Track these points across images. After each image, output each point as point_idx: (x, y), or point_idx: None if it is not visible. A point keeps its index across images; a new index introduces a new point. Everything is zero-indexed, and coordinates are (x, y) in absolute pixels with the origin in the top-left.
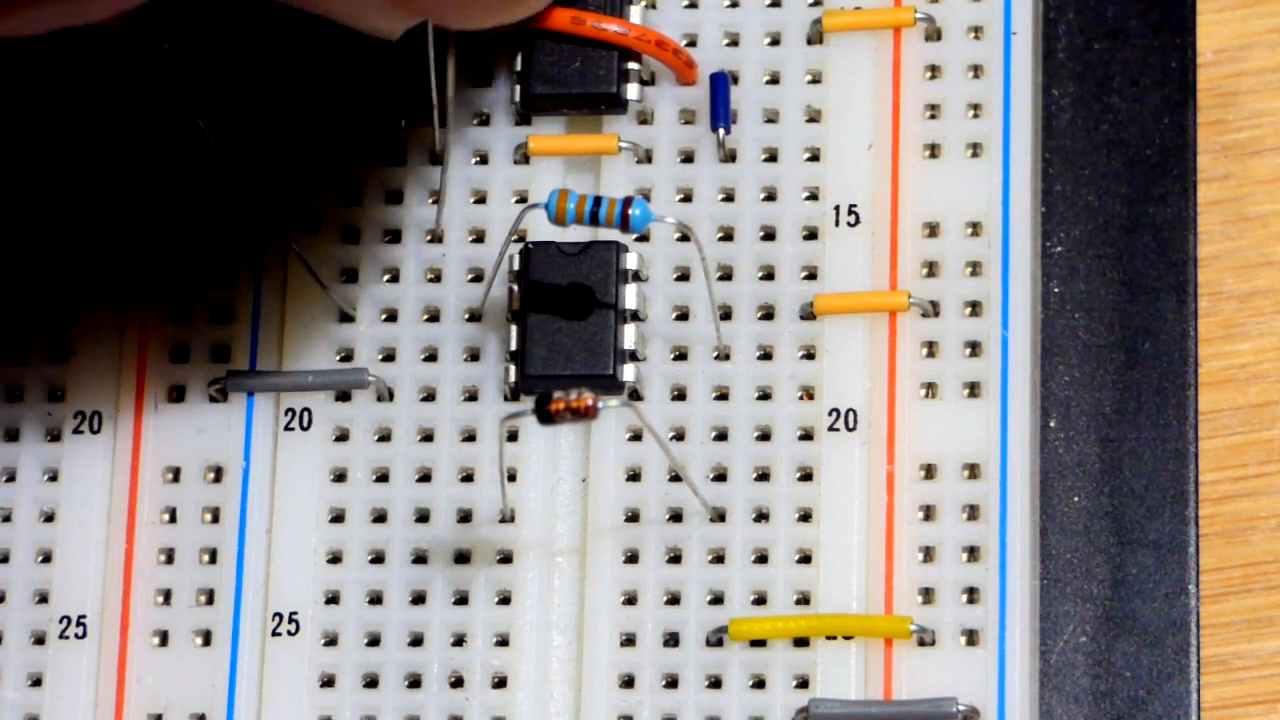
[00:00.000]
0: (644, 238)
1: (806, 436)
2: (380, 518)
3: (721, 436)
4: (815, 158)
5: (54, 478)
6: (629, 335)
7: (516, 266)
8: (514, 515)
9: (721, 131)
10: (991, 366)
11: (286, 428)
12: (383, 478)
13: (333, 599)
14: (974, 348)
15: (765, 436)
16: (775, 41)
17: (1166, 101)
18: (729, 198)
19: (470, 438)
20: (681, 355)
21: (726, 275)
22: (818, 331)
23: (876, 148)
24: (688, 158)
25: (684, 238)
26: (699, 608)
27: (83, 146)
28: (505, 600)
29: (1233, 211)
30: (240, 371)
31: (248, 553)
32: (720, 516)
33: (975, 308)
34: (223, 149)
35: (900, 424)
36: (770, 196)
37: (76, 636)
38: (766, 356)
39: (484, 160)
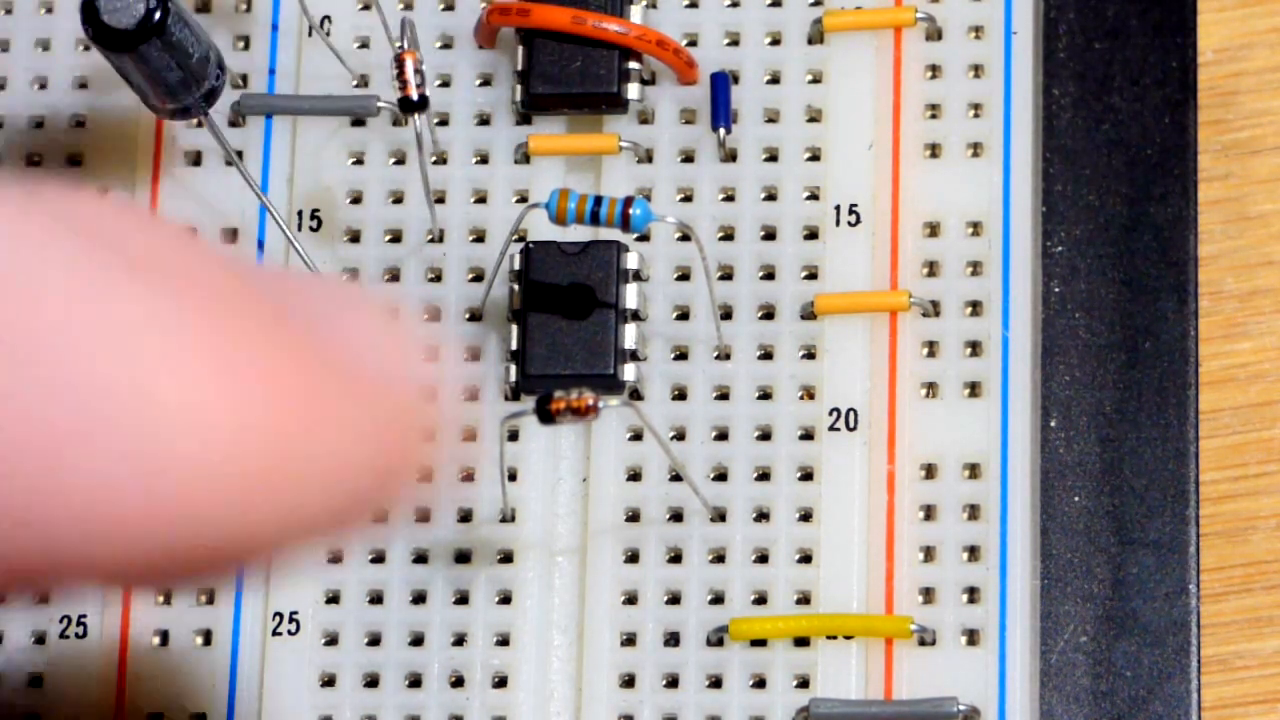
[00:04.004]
0: (644, 237)
1: (807, 436)
2: (380, 518)
3: (722, 436)
4: (815, 157)
5: None
6: (629, 335)
7: (517, 266)
8: (514, 515)
9: (722, 131)
10: (992, 366)
11: None
12: None
13: (333, 599)
14: (974, 347)
15: (765, 436)
16: (776, 41)
17: (1167, 101)
18: (729, 197)
19: (470, 437)
20: (682, 355)
21: (727, 275)
22: (818, 331)
23: (877, 147)
24: (688, 157)
25: (684, 237)
26: (699, 607)
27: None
28: (505, 600)
29: (1233, 211)
30: None
31: None
32: (720, 516)
33: (976, 307)
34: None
35: (901, 424)
36: (770, 196)
37: (77, 636)
38: (767, 356)
39: (484, 160)
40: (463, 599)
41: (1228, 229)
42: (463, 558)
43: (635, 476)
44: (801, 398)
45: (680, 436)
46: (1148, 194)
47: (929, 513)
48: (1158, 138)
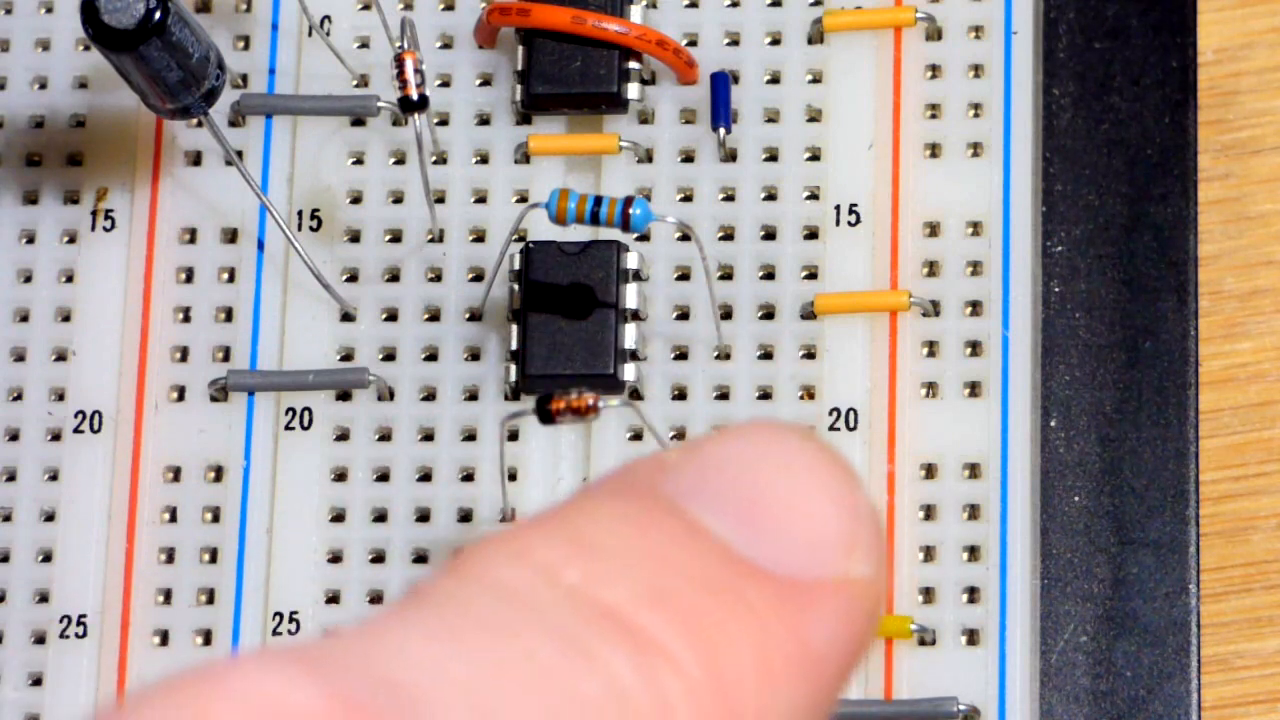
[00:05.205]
0: (644, 237)
1: None
2: (380, 517)
3: None
4: (816, 157)
5: (54, 478)
6: (629, 335)
7: (517, 266)
8: (514, 515)
9: (722, 131)
10: (992, 366)
11: (287, 427)
12: (383, 477)
13: (333, 599)
14: (974, 347)
15: None
16: (776, 41)
17: (1167, 101)
18: (729, 197)
19: (471, 437)
20: (682, 355)
21: (727, 275)
22: (818, 331)
23: (877, 147)
24: (688, 157)
25: (684, 237)
26: None
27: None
28: None
29: (1233, 211)
30: (240, 371)
31: (248, 553)
32: None
33: (975, 307)
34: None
35: (900, 424)
36: (771, 196)
37: (77, 636)
38: (767, 356)
39: (484, 160)
40: None
41: (1228, 229)
42: None
43: None
44: (801, 398)
45: (680, 436)
46: (1148, 194)
47: (929, 513)
48: (1158, 138)
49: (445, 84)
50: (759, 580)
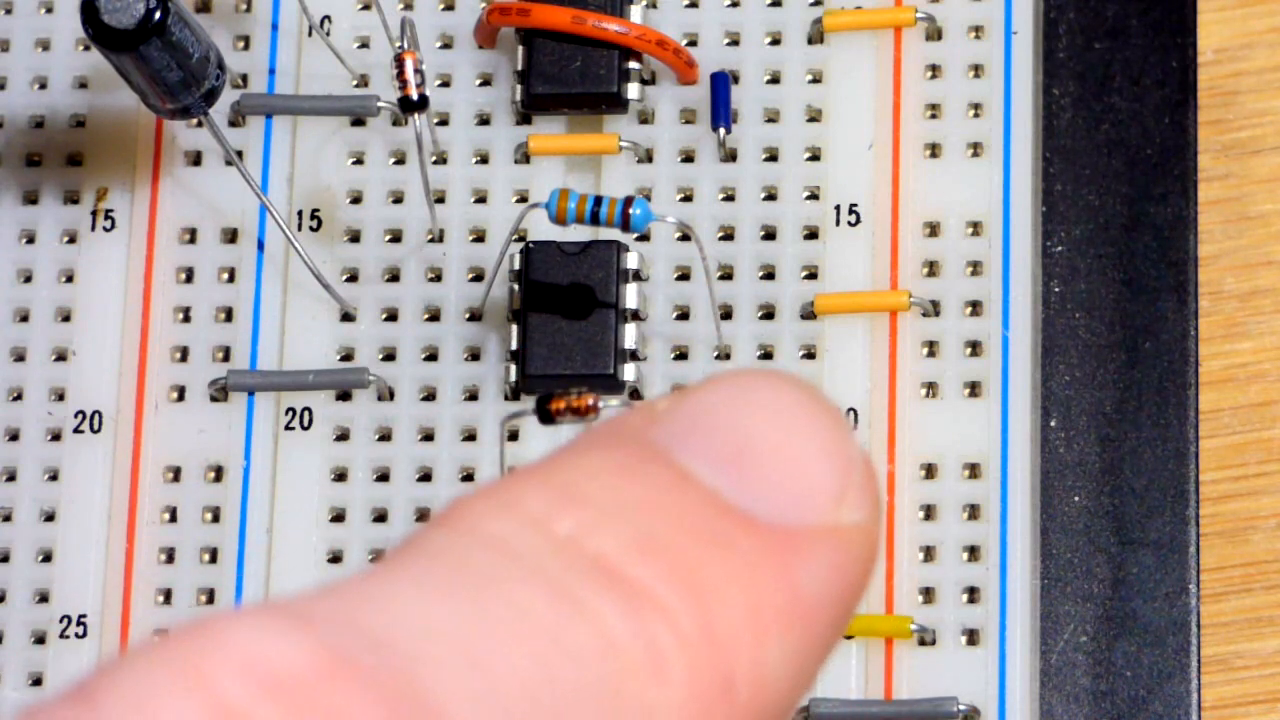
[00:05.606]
0: (644, 237)
1: None
2: (380, 517)
3: None
4: (816, 157)
5: (54, 478)
6: (629, 335)
7: (517, 266)
8: None
9: (722, 131)
10: (992, 366)
11: (287, 427)
12: (383, 477)
13: None
14: (974, 347)
15: None
16: (776, 41)
17: (1167, 101)
18: (729, 197)
19: (471, 437)
20: (682, 355)
21: (727, 275)
22: (818, 331)
23: (877, 147)
24: (688, 157)
25: (685, 237)
26: None
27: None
28: None
29: (1233, 211)
30: (240, 371)
31: (248, 553)
32: None
33: (976, 307)
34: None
35: (900, 424)
36: (771, 196)
37: (76, 636)
38: (767, 356)
39: (484, 160)
40: None
41: (1228, 229)
42: None
43: None
44: None
45: None
46: (1148, 194)
47: (929, 513)
48: (1158, 138)
49: (445, 84)
50: (750, 529)
